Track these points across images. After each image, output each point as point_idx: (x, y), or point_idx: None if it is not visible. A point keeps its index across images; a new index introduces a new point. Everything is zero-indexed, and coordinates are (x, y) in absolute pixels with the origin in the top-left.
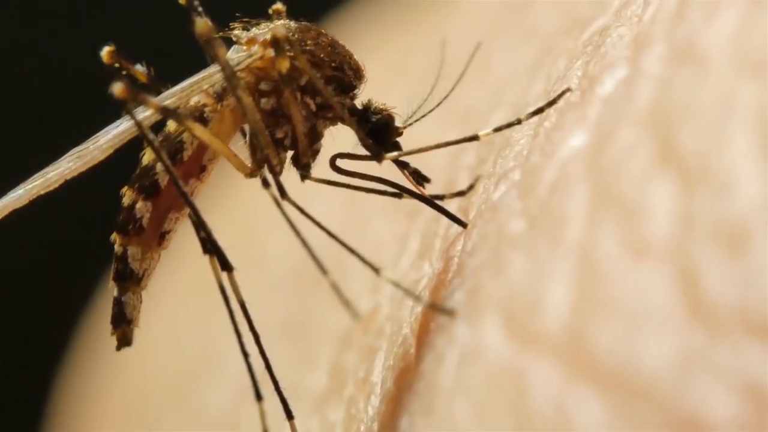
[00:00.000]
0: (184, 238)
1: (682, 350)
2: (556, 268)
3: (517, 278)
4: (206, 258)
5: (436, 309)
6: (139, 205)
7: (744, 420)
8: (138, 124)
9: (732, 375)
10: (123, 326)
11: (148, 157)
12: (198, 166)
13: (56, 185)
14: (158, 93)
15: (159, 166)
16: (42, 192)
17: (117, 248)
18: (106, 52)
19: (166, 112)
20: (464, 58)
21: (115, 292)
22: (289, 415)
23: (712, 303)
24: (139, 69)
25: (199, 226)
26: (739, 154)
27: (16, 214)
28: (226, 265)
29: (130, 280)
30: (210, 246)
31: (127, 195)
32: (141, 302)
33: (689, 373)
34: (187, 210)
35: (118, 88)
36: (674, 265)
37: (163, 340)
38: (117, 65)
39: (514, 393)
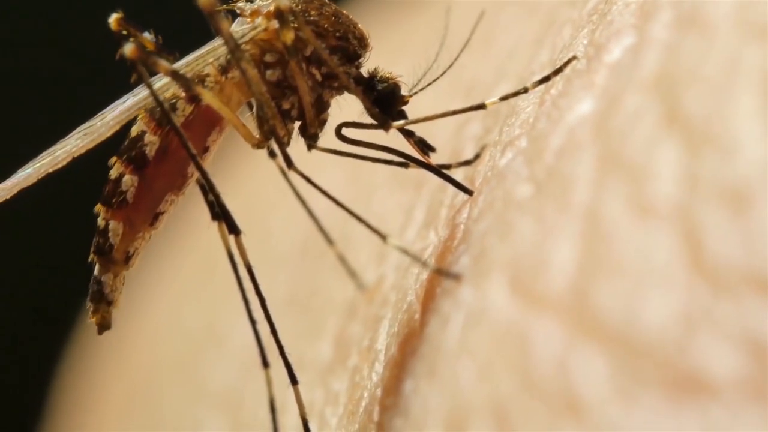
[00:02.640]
0: (190, 217)
1: (685, 308)
2: (563, 230)
3: (524, 241)
4: (213, 236)
5: (441, 274)
6: (125, 177)
7: (745, 376)
8: (149, 85)
9: (734, 332)
10: (102, 307)
11: (136, 128)
12: (201, 146)
13: (64, 162)
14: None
15: (147, 137)
16: (50, 170)
17: (100, 221)
18: (113, 19)
19: (176, 76)
20: (469, 30)
21: (96, 270)
22: (294, 381)
23: (716, 261)
24: (147, 37)
25: (208, 189)
26: (743, 116)
27: (29, 199)
28: (234, 229)
29: (111, 256)
30: (218, 210)
31: (115, 167)
32: (123, 284)
33: (692, 331)
34: (182, 192)
35: (129, 49)
36: (678, 225)
37: (168, 319)
38: (125, 32)
39: (518, 352)
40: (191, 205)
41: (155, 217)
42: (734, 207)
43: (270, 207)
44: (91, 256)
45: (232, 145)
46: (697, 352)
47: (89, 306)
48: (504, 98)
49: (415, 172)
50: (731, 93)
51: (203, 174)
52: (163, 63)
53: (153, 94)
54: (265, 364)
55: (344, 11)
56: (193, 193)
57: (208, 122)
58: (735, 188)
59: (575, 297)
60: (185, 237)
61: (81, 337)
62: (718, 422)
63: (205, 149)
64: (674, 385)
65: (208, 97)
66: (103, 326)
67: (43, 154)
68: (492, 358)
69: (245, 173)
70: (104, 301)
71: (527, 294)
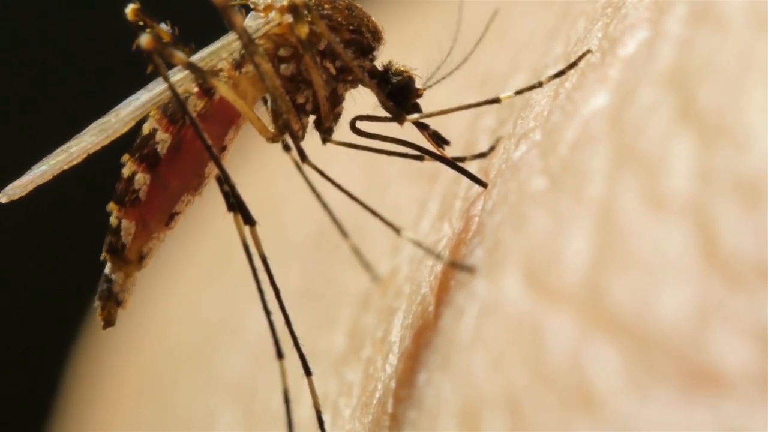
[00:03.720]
0: (206, 207)
1: (698, 301)
2: (577, 223)
3: (538, 234)
4: (228, 227)
5: (456, 266)
6: (138, 176)
7: (759, 370)
8: (164, 76)
9: (748, 325)
10: (110, 305)
11: (147, 126)
12: (219, 145)
13: (79, 159)
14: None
15: (158, 135)
16: (65, 167)
17: (112, 220)
18: (130, 9)
19: (192, 68)
20: (483, 24)
21: (107, 268)
22: (308, 372)
23: (729, 254)
24: (164, 28)
25: (224, 180)
26: (756, 110)
27: (46, 199)
28: (249, 219)
29: (123, 255)
30: (233, 200)
31: (128, 165)
32: (134, 285)
33: (705, 324)
34: (199, 192)
35: (145, 39)
36: (692, 219)
37: (183, 308)
38: (141, 23)
39: (531, 345)
40: (208, 194)
41: (171, 218)
42: (747, 200)
43: (284, 199)
44: (103, 254)
45: (245, 138)
46: (710, 345)
47: (97, 304)
48: (519, 92)
49: (429, 164)
50: (744, 86)
51: (219, 165)
52: (179, 54)
53: (169, 84)
54: (280, 355)
55: (357, 4)
56: (209, 183)
57: (224, 121)
58: (748, 181)
59: (589, 290)
60: (201, 226)
61: (95, 326)
62: (731, 417)
63: (223, 148)
64: (687, 379)
65: (223, 90)
66: (108, 322)
67: (58, 150)
68: (506, 350)
69: (258, 165)
70: (113, 300)
71: (541, 286)
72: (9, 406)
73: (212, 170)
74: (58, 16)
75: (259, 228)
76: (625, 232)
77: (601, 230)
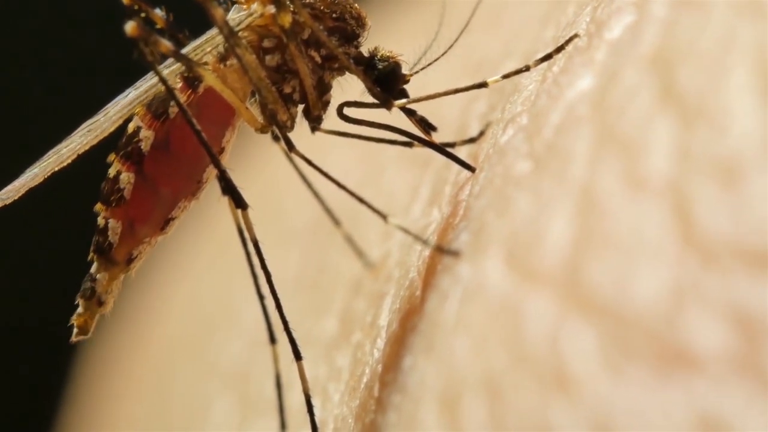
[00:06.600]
0: (215, 203)
1: (674, 282)
2: (559, 205)
3: (520, 217)
4: (229, 215)
5: (441, 251)
6: (122, 175)
7: (732, 350)
8: (150, 64)
9: (722, 306)
10: (92, 306)
11: (132, 124)
12: (218, 147)
13: (69, 161)
14: (175, 39)
15: (142, 133)
16: (56, 168)
17: (99, 220)
18: None
19: (178, 56)
20: (478, 12)
21: (93, 268)
22: (298, 357)
23: (706, 235)
24: (158, 13)
25: (213, 164)
26: (735, 91)
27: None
28: (240, 203)
29: (110, 256)
30: (224, 184)
31: (114, 165)
32: (119, 288)
33: (680, 305)
34: (196, 197)
35: (130, 27)
36: (670, 199)
37: (185, 298)
38: (136, 7)
39: (511, 327)
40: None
41: (166, 222)
42: (725, 181)
43: (287, 185)
44: (91, 254)
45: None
46: (685, 326)
47: (78, 302)
48: (506, 76)
49: (422, 150)
50: (725, 68)
51: (208, 149)
52: (165, 42)
53: (154, 70)
54: (273, 340)
55: None
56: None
57: (218, 121)
58: (726, 162)
59: (568, 271)
60: (206, 215)
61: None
62: (704, 397)
63: (221, 150)
64: (662, 360)
65: (210, 78)
66: (82, 330)
67: (50, 152)
68: (486, 333)
69: (268, 152)
70: (95, 300)
71: (522, 269)
72: (10, 405)
73: (211, 174)
74: (48, 14)
75: (259, 214)
76: (605, 214)
77: (582, 212)
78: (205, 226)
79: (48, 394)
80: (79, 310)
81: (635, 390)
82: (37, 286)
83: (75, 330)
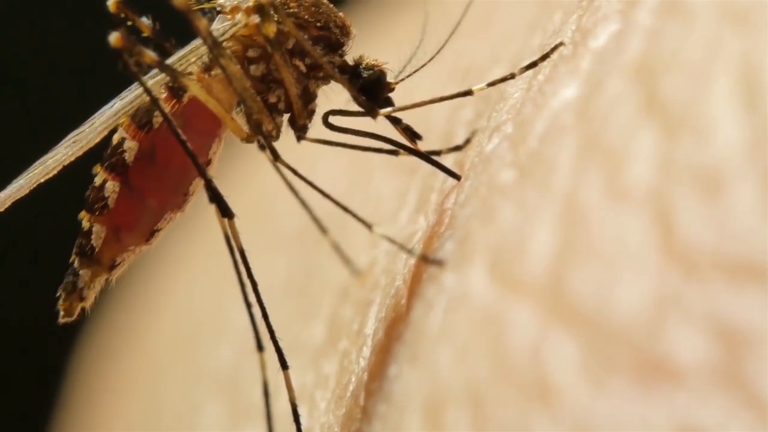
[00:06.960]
0: (208, 209)
1: (655, 293)
2: (542, 215)
3: (504, 226)
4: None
5: (426, 260)
6: (107, 184)
7: (713, 362)
8: (135, 75)
9: (702, 316)
10: (73, 299)
11: (117, 135)
12: (205, 159)
13: (54, 172)
14: (161, 49)
15: (126, 143)
16: (42, 180)
17: (84, 223)
18: (112, 1)
19: (162, 67)
20: (467, 19)
21: (75, 263)
22: (284, 366)
23: (687, 244)
24: (145, 22)
25: (199, 173)
26: (719, 101)
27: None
28: (226, 212)
29: (92, 259)
30: (210, 193)
31: (99, 174)
32: (101, 286)
33: (662, 316)
34: (182, 210)
35: (114, 38)
36: (652, 209)
37: (179, 305)
38: (123, 16)
39: (493, 337)
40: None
41: (152, 234)
42: (707, 191)
43: (275, 192)
44: (73, 257)
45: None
46: (666, 337)
47: (60, 294)
48: (491, 84)
49: (409, 157)
50: (708, 78)
51: (192, 158)
52: (150, 53)
53: (139, 81)
54: (260, 347)
55: (324, 1)
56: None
57: (203, 132)
58: (709, 172)
59: (551, 282)
60: (199, 220)
61: (95, 324)
62: (684, 408)
63: (208, 162)
64: (643, 372)
65: (194, 88)
66: (68, 314)
67: (36, 164)
68: (469, 343)
69: (256, 161)
70: (76, 294)
71: (505, 279)
72: (10, 404)
73: (197, 187)
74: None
75: (248, 220)
76: (588, 223)
77: (565, 222)
78: (197, 231)
79: (40, 398)
80: (61, 300)
81: (616, 401)
82: (30, 287)
83: (61, 313)
